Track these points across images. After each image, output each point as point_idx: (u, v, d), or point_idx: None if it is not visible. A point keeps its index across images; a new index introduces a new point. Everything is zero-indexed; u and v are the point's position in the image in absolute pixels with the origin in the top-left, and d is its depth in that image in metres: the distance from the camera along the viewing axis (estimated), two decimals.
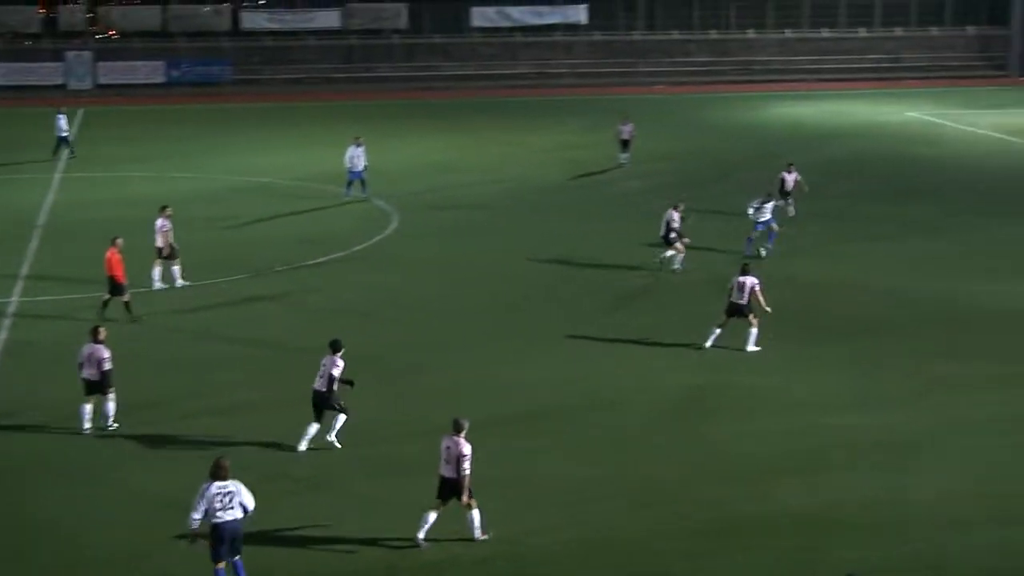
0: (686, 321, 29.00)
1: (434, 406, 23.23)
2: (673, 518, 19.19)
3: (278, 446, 21.66)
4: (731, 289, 26.92)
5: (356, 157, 42.16)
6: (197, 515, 16.49)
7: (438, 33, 77.82)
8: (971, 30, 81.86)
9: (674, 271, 33.16)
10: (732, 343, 27.01)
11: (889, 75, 78.64)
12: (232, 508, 16.57)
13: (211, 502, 16.49)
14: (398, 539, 18.31)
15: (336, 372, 21.28)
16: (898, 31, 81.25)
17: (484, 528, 18.36)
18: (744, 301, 26.64)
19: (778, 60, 79.72)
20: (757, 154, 52.00)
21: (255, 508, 16.87)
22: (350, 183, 42.46)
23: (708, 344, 26.83)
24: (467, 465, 17.88)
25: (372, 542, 18.31)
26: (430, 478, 18.38)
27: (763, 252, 34.80)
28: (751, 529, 18.82)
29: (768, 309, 26.92)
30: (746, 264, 27.83)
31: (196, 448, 21.49)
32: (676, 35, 79.64)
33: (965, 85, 75.89)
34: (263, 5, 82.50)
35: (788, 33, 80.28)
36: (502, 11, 78.05)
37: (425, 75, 76.03)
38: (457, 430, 18.06)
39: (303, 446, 21.43)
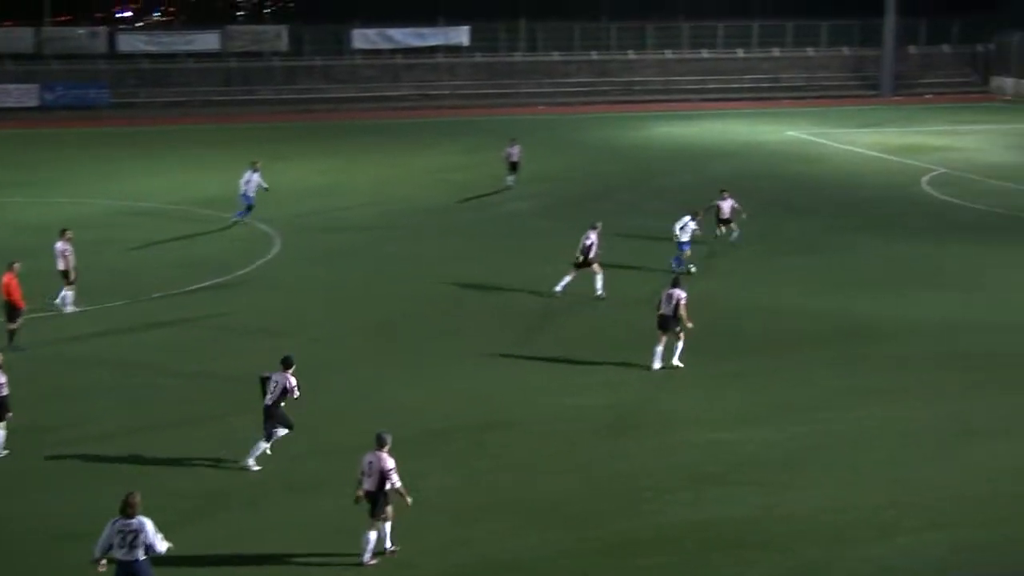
0: (580, 341, 29.17)
1: (322, 427, 23.06)
2: (562, 538, 19.20)
3: (166, 464, 21.31)
4: (659, 302, 27.19)
5: (251, 182, 41.83)
6: (98, 551, 15.90)
7: (319, 55, 77.47)
8: (845, 51, 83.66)
9: (598, 296, 32.69)
10: (635, 360, 27.18)
11: (768, 95, 79.98)
12: (135, 548, 15.67)
13: (111, 539, 15.74)
14: (304, 555, 18.12)
15: (288, 385, 21.52)
16: (775, 52, 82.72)
17: (393, 540, 18.42)
18: (670, 313, 26.81)
19: (658, 80, 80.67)
20: (639, 174, 52.54)
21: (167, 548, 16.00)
22: (249, 207, 41.96)
23: (656, 366, 26.85)
24: (395, 477, 17.98)
25: (279, 559, 18.08)
26: (328, 498, 18.19)
27: (692, 268, 35.18)
28: (637, 547, 18.90)
29: (690, 325, 27.06)
30: (677, 277, 28.18)
31: (82, 475, 21.05)
32: (557, 56, 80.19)
33: (841, 104, 77.50)
34: (140, 27, 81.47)
35: (668, 54, 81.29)
36: (383, 33, 77.96)
37: (306, 98, 75.59)
38: (380, 445, 18.16)
39: (251, 464, 21.60)
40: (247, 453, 21.66)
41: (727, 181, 50.37)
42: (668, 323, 26.91)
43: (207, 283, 34.45)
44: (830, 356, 28.25)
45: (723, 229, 38.65)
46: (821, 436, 23.45)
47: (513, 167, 48.72)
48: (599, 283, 32.71)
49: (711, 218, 38.38)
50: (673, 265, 35.31)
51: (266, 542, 18.91)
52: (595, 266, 32.75)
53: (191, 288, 33.90)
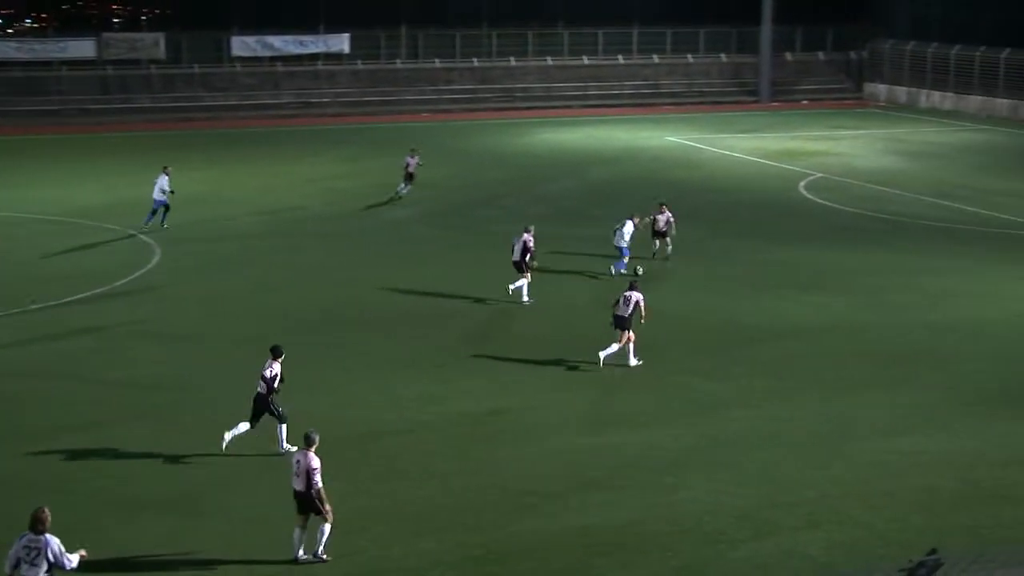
0: (466, 346, 29.26)
1: (206, 438, 22.86)
2: (449, 545, 19.24)
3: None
4: (616, 303, 28.07)
5: (162, 186, 41.93)
6: (8, 566, 15.61)
7: (197, 63, 76.60)
8: (724, 58, 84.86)
9: (524, 303, 32.90)
10: (520, 364, 27.32)
11: (648, 101, 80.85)
12: (36, 565, 15.36)
13: (18, 554, 15.47)
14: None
15: (268, 374, 22.33)
16: (655, 58, 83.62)
17: (327, 548, 18.58)
18: (627, 314, 27.72)
19: (540, 87, 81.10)
20: (522, 180, 52.79)
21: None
22: (166, 210, 42.05)
23: (633, 363, 27.84)
24: (317, 478, 18.27)
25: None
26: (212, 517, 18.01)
27: (640, 270, 35.80)
28: (523, 553, 18.99)
29: (642, 322, 28.11)
30: (633, 281, 29.33)
31: None
32: (439, 63, 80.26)
33: (720, 110, 78.62)
34: (11, 34, 79.81)
35: (549, 61, 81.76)
36: (263, 40, 77.33)
37: (185, 106, 74.68)
38: (308, 444, 18.53)
39: (226, 440, 22.39)
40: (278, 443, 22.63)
41: (609, 186, 51.02)
42: (624, 323, 27.77)
43: (85, 294, 33.90)
44: (713, 359, 28.66)
45: (657, 243, 38.52)
46: (704, 438, 23.80)
47: (409, 177, 48.48)
48: (524, 289, 33.21)
49: (647, 231, 38.35)
50: (613, 271, 36.00)
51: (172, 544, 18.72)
52: (527, 272, 33.22)
53: (69, 299, 33.33)
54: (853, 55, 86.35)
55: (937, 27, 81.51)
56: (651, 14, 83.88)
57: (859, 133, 68.29)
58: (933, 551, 11.11)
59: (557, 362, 28.14)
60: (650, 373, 27.56)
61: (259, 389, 22.52)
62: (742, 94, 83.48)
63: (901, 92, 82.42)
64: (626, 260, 36.34)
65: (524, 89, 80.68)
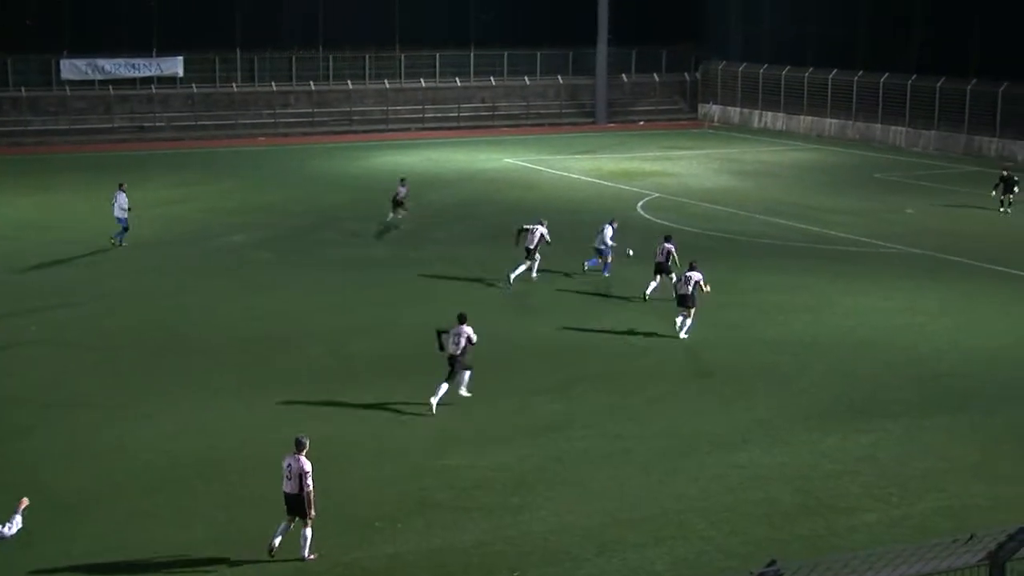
0: (308, 370, 29.05)
1: (43, 468, 22.29)
2: (290, 571, 19.04)
3: None
4: (678, 282, 32.36)
5: (120, 203, 42.46)
6: None
7: (25, 86, 74.73)
8: (560, 79, 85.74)
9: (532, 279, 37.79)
10: (356, 390, 27.17)
11: (485, 123, 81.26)
12: None
13: None
14: None
15: (471, 337, 26.55)
16: (492, 80, 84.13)
17: (312, 549, 19.23)
18: (689, 291, 31.93)
19: (377, 110, 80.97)
20: (361, 203, 52.60)
21: None
22: (125, 230, 42.80)
23: (683, 336, 31.91)
24: (309, 481, 19.23)
25: None
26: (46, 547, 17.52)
27: (629, 252, 39.00)
28: None
29: (708, 289, 32.35)
30: (692, 262, 33.00)
31: None
32: (275, 87, 79.61)
33: (558, 132, 79.39)
34: None
35: (386, 84, 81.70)
36: (93, 64, 75.77)
37: (13, 130, 72.79)
38: (299, 448, 19.39)
39: (434, 405, 26.18)
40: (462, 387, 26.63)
41: (449, 208, 51.12)
42: (687, 300, 31.98)
43: None
44: (556, 378, 28.89)
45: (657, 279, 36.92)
46: (548, 457, 23.96)
47: (398, 205, 47.32)
48: (533, 270, 38.16)
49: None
50: (603, 272, 38.87)
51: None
52: (536, 256, 37.83)
53: None
54: (687, 76, 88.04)
55: (768, 49, 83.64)
56: (488, 36, 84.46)
57: (694, 153, 69.59)
58: (772, 562, 11.42)
59: (402, 385, 28.07)
60: (494, 393, 27.64)
61: (451, 351, 26.43)
62: (579, 115, 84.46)
63: (734, 112, 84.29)
64: (607, 260, 38.73)
65: (362, 112, 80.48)
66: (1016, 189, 51.10)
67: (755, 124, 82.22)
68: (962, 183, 59.15)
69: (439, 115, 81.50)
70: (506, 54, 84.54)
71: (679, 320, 32.33)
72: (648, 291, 35.62)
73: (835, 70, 77.20)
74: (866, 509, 21.68)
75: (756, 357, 30.91)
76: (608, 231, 38.93)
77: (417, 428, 25.49)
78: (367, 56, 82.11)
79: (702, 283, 32.24)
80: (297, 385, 28.17)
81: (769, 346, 31.88)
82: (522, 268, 38.02)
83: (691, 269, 32.59)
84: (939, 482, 22.99)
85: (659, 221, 48.71)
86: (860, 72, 75.84)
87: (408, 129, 78.95)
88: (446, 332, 26.85)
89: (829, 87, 77.56)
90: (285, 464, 19.47)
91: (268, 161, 65.49)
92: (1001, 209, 50.94)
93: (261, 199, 51.32)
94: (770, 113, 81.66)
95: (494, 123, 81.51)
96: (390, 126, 79.29)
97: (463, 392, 27.08)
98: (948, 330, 33.60)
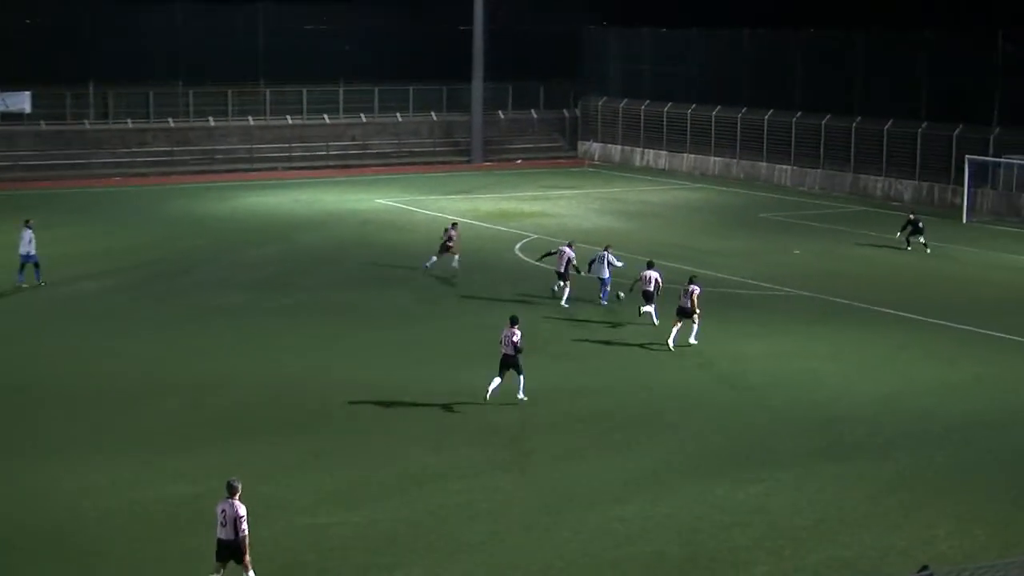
0: (163, 423, 28.49)
1: None
2: None
3: None
4: (680, 295, 35.81)
5: (28, 241, 42.25)
6: None
7: None
8: (434, 116, 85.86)
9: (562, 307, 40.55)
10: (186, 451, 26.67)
11: (357, 162, 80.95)
12: None
13: None
14: None
15: (515, 340, 30.14)
16: (363, 117, 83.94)
17: None
18: (688, 304, 35.54)
19: (241, 148, 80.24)
20: (225, 246, 52.01)
21: None
22: (22, 267, 42.53)
23: (671, 345, 35.62)
24: (244, 526, 19.33)
25: None
26: None
27: (621, 295, 40.89)
28: None
29: (699, 311, 35.67)
30: (693, 275, 37.15)
31: None
32: (131, 124, 78.53)
33: (432, 171, 79.38)
34: None
35: (251, 121, 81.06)
36: None
37: None
38: (231, 492, 19.50)
39: (489, 393, 30.08)
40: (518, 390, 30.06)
41: (318, 251, 50.77)
42: (687, 312, 35.54)
43: None
44: (430, 431, 28.67)
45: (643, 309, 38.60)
46: (425, 512, 23.72)
47: (445, 249, 46.30)
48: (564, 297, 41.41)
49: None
50: (602, 299, 41.36)
51: None
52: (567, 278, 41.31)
53: None
54: (566, 113, 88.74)
55: (649, 85, 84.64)
56: (357, 71, 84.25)
57: (574, 193, 70.04)
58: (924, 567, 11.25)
59: (270, 438, 27.65)
60: (367, 445, 27.39)
61: (506, 350, 30.10)
62: (454, 154, 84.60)
63: (615, 150, 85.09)
64: (608, 289, 41.33)
65: (225, 151, 79.69)
66: (923, 233, 51.77)
67: (637, 162, 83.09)
68: (849, 223, 60.29)
69: (307, 153, 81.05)
70: (377, 90, 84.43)
71: (675, 330, 35.88)
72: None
73: (719, 107, 78.39)
74: (757, 562, 21.77)
75: (641, 404, 31.03)
76: (608, 256, 41.67)
77: (287, 486, 25.05)
78: (230, 91, 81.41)
79: (696, 297, 35.74)
80: (154, 440, 27.56)
81: (655, 392, 32.04)
82: (567, 291, 41.02)
83: (690, 282, 36.26)
84: (831, 533, 23.19)
85: (537, 264, 48.80)
86: (744, 109, 77.08)
87: (274, 168, 78.35)
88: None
89: (713, 124, 78.69)
90: (219, 510, 19.56)
91: (124, 202, 64.50)
92: (909, 248, 51.85)
93: (116, 243, 50.45)
94: (652, 151, 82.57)
95: (365, 162, 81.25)
96: (255, 165, 78.61)
97: (520, 396, 30.65)
98: (839, 375, 34.07)
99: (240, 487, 19.67)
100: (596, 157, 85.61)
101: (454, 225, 48.11)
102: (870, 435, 28.95)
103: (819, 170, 72.87)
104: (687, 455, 27.36)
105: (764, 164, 75.76)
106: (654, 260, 39.98)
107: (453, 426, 29.03)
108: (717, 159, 78.66)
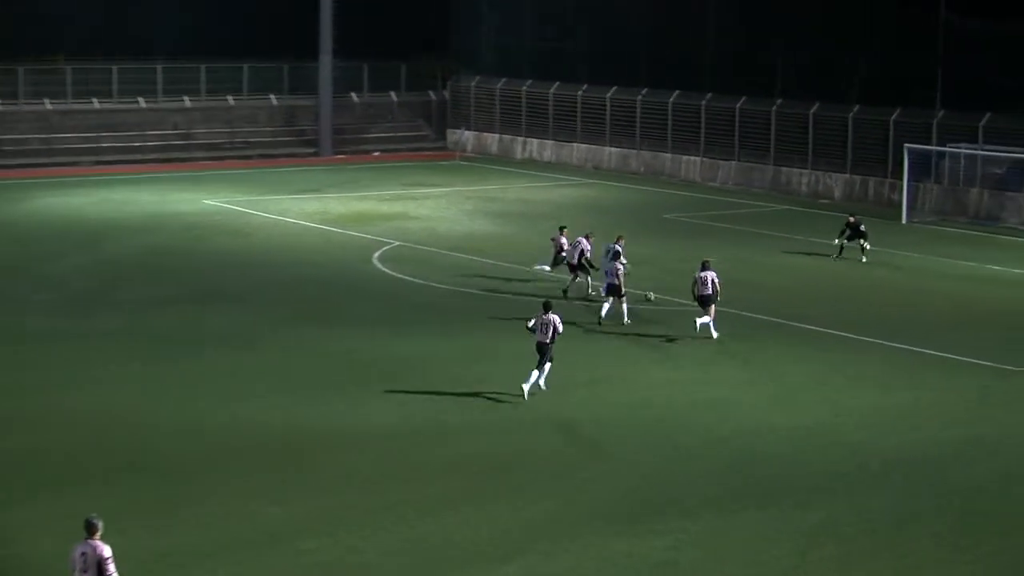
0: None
1: None
2: None
3: None
4: (695, 284, 40.41)
5: None
6: None
7: None
8: (274, 100, 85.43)
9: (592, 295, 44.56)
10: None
11: (180, 155, 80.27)
12: None
13: None
14: None
15: (557, 327, 34.48)
16: (187, 101, 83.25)
17: None
18: (708, 292, 40.05)
19: (36, 139, 79.18)
20: (18, 258, 51.47)
21: None
22: None
23: (714, 334, 40.20)
24: (112, 568, 19.53)
25: None
26: None
27: (651, 295, 44.15)
28: None
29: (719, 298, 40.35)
30: (706, 261, 41.03)
31: None
32: None
33: (272, 166, 79.01)
34: None
35: (48, 104, 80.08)
36: None
37: None
38: (91, 532, 19.68)
39: (526, 391, 33.97)
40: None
41: (133, 263, 50.45)
42: (708, 300, 40.19)
43: None
44: (272, 479, 28.73)
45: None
46: (271, 574, 23.89)
47: (580, 267, 45.98)
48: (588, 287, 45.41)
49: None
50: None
51: None
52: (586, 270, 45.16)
53: None
54: (433, 95, 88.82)
55: (531, 61, 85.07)
56: (179, 45, 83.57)
57: (443, 191, 70.21)
58: None
59: (75, 489, 27.52)
60: (202, 497, 27.39)
61: (540, 339, 34.06)
62: (298, 145, 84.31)
63: (492, 140, 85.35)
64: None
65: (16, 141, 78.62)
66: (865, 237, 52.39)
67: (518, 154, 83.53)
68: (770, 225, 61.24)
69: (119, 144, 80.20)
70: (203, 68, 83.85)
71: (700, 321, 40.05)
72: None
73: (615, 87, 79.00)
74: None
75: (527, 444, 31.29)
76: (616, 248, 43.72)
77: (121, 545, 24.88)
78: (20, 69, 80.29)
79: (718, 282, 40.35)
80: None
81: (542, 430, 32.34)
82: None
83: (704, 269, 40.43)
84: None
85: (400, 276, 48.99)
86: (645, 90, 77.75)
87: (78, 163, 77.38)
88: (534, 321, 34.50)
89: (608, 108, 79.31)
90: (77, 554, 19.63)
91: None
92: (837, 256, 52.73)
93: None
94: (536, 141, 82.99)
95: (190, 155, 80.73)
96: (54, 159, 77.57)
97: (542, 385, 34.31)
98: (754, 406, 34.68)
99: (101, 525, 19.82)
100: (469, 148, 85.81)
101: (562, 229, 47.99)
102: (792, 476, 29.50)
103: (734, 162, 73.80)
104: (579, 504, 27.67)
105: (669, 155, 76.50)
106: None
107: (299, 472, 29.10)
108: (613, 150, 79.31)
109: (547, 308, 34.67)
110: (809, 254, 54.27)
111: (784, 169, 71.78)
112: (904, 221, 61.93)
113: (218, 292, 46.37)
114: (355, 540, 25.61)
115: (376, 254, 53.01)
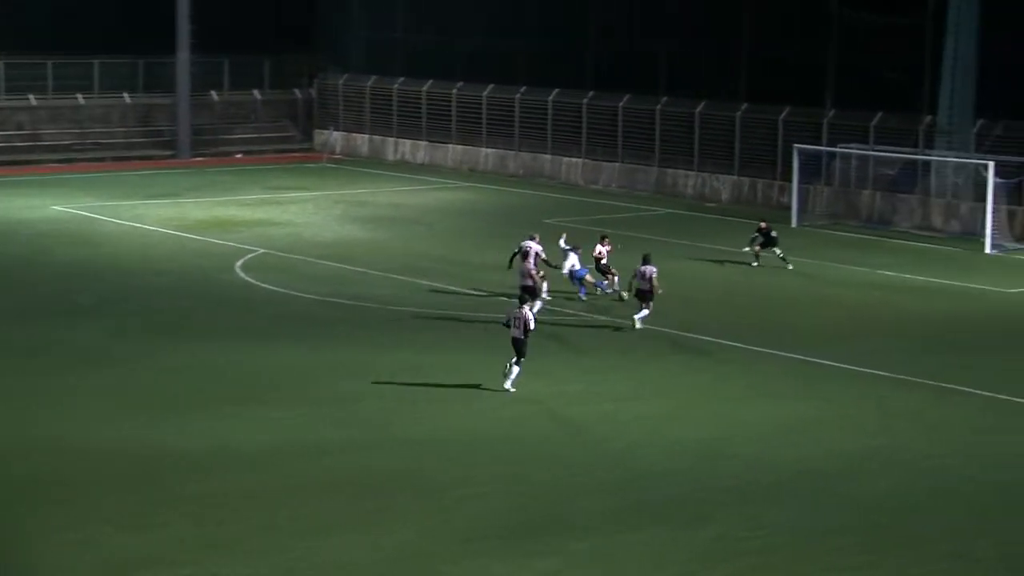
0: None
1: None
2: None
3: None
4: (633, 277, 42.82)
5: None
6: None
7: None
8: (127, 98, 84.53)
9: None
10: None
11: (24, 157, 79.16)
12: None
13: None
14: None
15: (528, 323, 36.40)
16: (32, 99, 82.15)
17: None
18: (647, 287, 42.29)
19: None
20: None
21: None
22: None
23: (638, 325, 42.54)
24: None
25: None
26: None
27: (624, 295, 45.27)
28: None
29: (660, 292, 42.50)
30: (647, 255, 43.07)
31: None
32: None
33: (125, 168, 78.27)
34: None
35: None
36: None
37: None
38: None
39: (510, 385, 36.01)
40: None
41: None
42: (648, 295, 42.38)
43: None
44: (128, 504, 28.34)
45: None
46: None
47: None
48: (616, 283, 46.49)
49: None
50: (581, 295, 46.74)
51: None
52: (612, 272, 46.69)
53: None
54: (299, 93, 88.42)
55: (404, 57, 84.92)
56: (23, 39, 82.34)
57: (310, 195, 69.98)
58: None
59: None
60: (51, 526, 26.95)
61: (516, 334, 35.94)
62: (155, 146, 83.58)
63: (362, 141, 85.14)
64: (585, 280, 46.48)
65: None
66: (776, 244, 52.58)
67: (390, 156, 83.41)
68: (655, 229, 61.49)
69: None
70: (50, 63, 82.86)
71: (639, 317, 42.53)
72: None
73: (491, 85, 79.06)
74: None
75: (398, 461, 31.15)
76: (572, 257, 46.10)
77: None
78: None
79: (655, 279, 42.30)
80: None
81: (414, 447, 32.21)
82: (538, 305, 43.22)
83: (645, 263, 42.53)
84: None
85: (265, 285, 48.68)
86: (523, 88, 77.87)
87: None
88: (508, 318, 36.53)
89: (484, 107, 79.31)
90: None
91: None
92: (757, 263, 53.08)
93: None
94: (409, 142, 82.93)
95: (36, 157, 79.76)
96: None
97: (508, 384, 36.16)
98: (643, 419, 34.75)
99: None
100: (338, 149, 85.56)
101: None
102: (684, 493, 29.55)
103: (617, 164, 74.08)
104: (459, 525, 27.56)
105: (549, 157, 76.71)
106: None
107: (157, 497, 28.68)
108: (490, 151, 79.37)
109: (522, 302, 37.30)
110: (696, 260, 54.50)
111: (669, 171, 72.15)
112: (794, 224, 62.38)
113: (67, 305, 45.74)
114: (221, 568, 25.28)
115: (238, 263, 52.60)
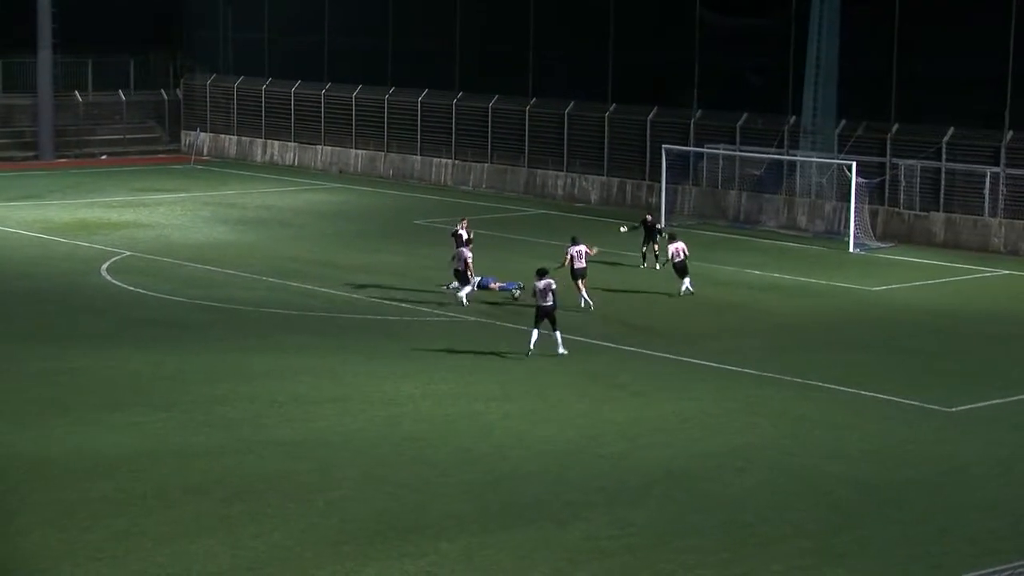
0: None
1: None
2: None
3: None
4: (570, 259, 45.87)
5: None
6: None
7: None
8: None
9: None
10: None
11: None
12: None
13: None
14: None
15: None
16: None
17: None
18: (583, 264, 46.18)
19: None
20: None
21: None
22: None
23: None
24: None
25: None
26: None
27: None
28: None
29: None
30: (575, 236, 47.08)
31: None
32: None
33: None
34: None
35: None
36: None
37: None
38: None
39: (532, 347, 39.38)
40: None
41: None
42: (584, 273, 45.94)
43: None
44: None
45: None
46: None
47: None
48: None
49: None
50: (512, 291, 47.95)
51: None
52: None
53: None
54: (165, 94, 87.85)
55: (272, 57, 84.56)
56: None
57: (178, 197, 69.66)
58: None
59: None
60: None
61: (543, 303, 39.44)
62: (16, 147, 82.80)
63: (230, 142, 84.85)
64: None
65: None
66: (656, 239, 53.15)
67: (258, 157, 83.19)
68: (525, 229, 61.83)
69: None
70: None
71: (585, 297, 45.69)
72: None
73: (360, 86, 79.02)
74: None
75: (266, 465, 31.09)
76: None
77: None
78: None
79: (588, 250, 46.12)
80: None
81: (284, 449, 32.17)
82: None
83: (575, 243, 46.04)
84: None
85: (131, 288, 48.38)
86: (392, 89, 77.93)
87: None
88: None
89: (353, 108, 79.28)
90: None
91: None
92: (645, 265, 53.43)
93: None
94: (277, 143, 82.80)
95: None
96: None
97: (561, 350, 39.77)
98: (512, 420, 34.95)
99: None
100: (205, 151, 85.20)
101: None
102: (552, 493, 29.74)
103: (486, 164, 74.39)
104: (327, 528, 27.55)
105: (418, 158, 76.92)
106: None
107: (17, 503, 28.44)
108: (360, 152, 79.40)
109: (541, 275, 39.68)
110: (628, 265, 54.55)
111: (539, 172, 72.55)
112: (663, 225, 62.79)
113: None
114: (85, 574, 25.10)
115: (104, 265, 52.24)
